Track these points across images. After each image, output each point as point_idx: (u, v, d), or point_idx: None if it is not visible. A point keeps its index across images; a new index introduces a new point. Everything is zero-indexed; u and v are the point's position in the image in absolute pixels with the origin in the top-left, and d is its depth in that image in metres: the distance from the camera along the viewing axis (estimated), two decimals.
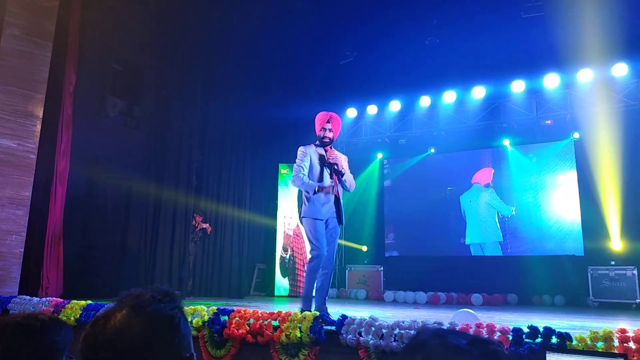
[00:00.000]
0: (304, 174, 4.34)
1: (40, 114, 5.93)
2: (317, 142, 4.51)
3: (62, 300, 4.55)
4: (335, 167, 4.36)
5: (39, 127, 5.92)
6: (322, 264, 4.22)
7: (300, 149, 4.48)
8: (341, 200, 4.38)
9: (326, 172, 4.37)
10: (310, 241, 4.30)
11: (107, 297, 6.82)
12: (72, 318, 4.13)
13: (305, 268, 4.35)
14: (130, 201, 7.86)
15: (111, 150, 7.61)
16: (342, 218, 4.37)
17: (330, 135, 4.45)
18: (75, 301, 4.37)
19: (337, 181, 4.39)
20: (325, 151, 4.43)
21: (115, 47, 7.68)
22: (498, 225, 9.68)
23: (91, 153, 7.33)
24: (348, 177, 4.43)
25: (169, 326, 0.94)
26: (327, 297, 4.30)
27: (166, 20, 8.01)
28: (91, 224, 7.29)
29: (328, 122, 4.45)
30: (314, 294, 4.25)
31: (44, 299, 4.70)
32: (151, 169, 8.20)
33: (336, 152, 4.46)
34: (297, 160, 4.44)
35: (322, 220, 4.27)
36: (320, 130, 4.47)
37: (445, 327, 0.89)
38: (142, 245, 7.87)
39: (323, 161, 4.38)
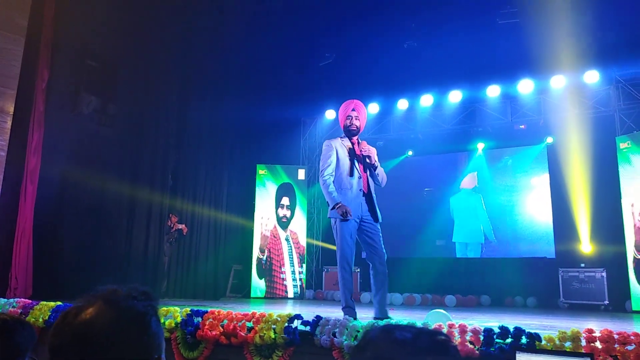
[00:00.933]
0: (331, 179, 4.06)
1: (11, 110, 5.78)
2: (343, 135, 4.25)
3: (30, 301, 4.45)
4: (368, 160, 4.07)
5: (9, 123, 5.78)
6: (373, 266, 3.97)
7: (325, 143, 4.22)
8: (374, 196, 4.08)
9: (357, 166, 4.07)
10: (337, 244, 4.02)
11: (78, 298, 6.67)
12: (41, 320, 4.03)
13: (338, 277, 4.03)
14: (104, 201, 7.71)
15: (84, 149, 7.46)
16: (377, 215, 4.04)
17: (357, 123, 4.17)
18: (44, 302, 4.27)
19: (369, 175, 4.10)
20: (353, 143, 4.15)
21: (90, 43, 7.53)
22: (482, 228, 9.84)
23: (64, 151, 7.16)
24: (379, 170, 4.13)
25: (140, 322, 0.93)
26: (387, 303, 3.99)
27: (144, 17, 7.90)
28: (63, 223, 7.12)
29: (353, 110, 4.16)
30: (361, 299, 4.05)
31: (11, 299, 4.58)
32: (126, 168, 8.06)
33: (374, 151, 4.18)
34: (322, 157, 4.16)
35: (349, 220, 3.95)
36: (346, 119, 4.18)
37: (395, 323, 0.91)
38: (115, 245, 7.73)
39: (353, 154, 4.09)
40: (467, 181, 10.21)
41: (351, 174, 4.05)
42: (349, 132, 4.20)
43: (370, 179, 4.11)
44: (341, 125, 4.28)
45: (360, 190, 4.05)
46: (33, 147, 6.24)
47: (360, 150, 4.09)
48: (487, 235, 9.77)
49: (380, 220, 4.08)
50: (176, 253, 8.91)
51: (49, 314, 4.05)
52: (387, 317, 3.76)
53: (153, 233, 8.17)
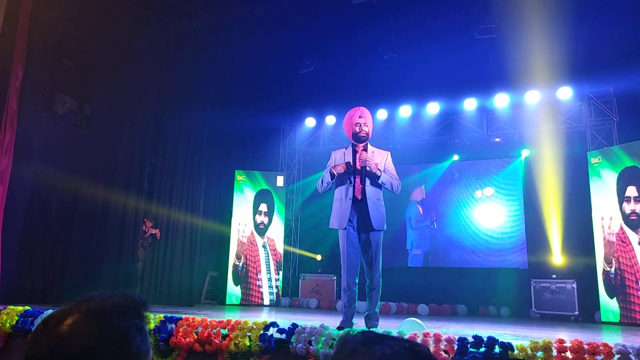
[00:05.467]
0: (321, 186, 4.13)
1: None
2: (347, 144, 4.25)
3: None
4: (368, 169, 4.00)
5: None
6: (361, 276, 3.99)
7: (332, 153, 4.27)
8: (368, 203, 3.99)
9: (351, 175, 4.06)
10: None
11: (47, 303, 6.49)
12: (8, 324, 3.90)
13: None
14: (77, 203, 7.54)
15: (58, 150, 7.30)
16: (371, 223, 3.95)
17: (366, 129, 4.12)
18: (12, 307, 4.14)
19: (370, 183, 4.03)
20: (356, 152, 4.12)
21: (67, 43, 7.39)
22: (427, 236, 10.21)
23: (36, 152, 7.00)
24: (384, 177, 4.01)
25: (119, 343, 0.89)
26: (372, 316, 4.04)
27: (122, 19, 7.81)
28: (33, 226, 6.94)
29: (360, 117, 4.12)
30: (350, 308, 4.06)
31: None
32: (100, 170, 7.91)
33: (373, 151, 4.15)
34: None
35: (343, 229, 4.00)
36: (355, 126, 4.13)
37: (375, 333, 0.90)
38: (87, 249, 7.55)
39: (349, 165, 4.07)
40: (416, 193, 10.42)
41: (344, 182, 4.06)
42: (358, 139, 4.16)
43: (368, 187, 4.03)
44: (348, 134, 4.25)
45: (350, 198, 4.02)
46: (4, 147, 6.07)
47: (360, 160, 4.04)
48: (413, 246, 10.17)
49: (376, 228, 4.01)
50: (150, 258, 8.76)
51: (17, 318, 3.93)
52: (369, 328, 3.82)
53: (127, 237, 8.01)
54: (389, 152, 4.26)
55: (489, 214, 9.76)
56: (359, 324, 4.14)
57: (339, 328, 3.69)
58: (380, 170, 4.02)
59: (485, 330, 4.87)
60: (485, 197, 9.76)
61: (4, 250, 6.09)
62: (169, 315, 3.62)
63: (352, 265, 4.07)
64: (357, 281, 4.13)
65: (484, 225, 9.75)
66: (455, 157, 10.15)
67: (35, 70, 6.85)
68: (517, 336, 4.40)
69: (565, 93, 8.63)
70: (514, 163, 9.66)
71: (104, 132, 8.03)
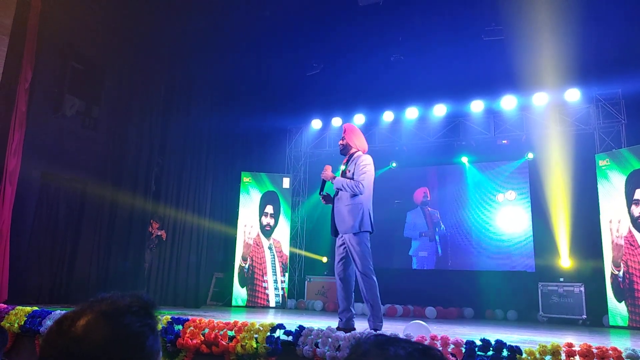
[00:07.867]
0: None
1: None
2: None
3: (5, 306, 4.33)
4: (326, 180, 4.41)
5: None
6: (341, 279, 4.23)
7: None
8: (336, 209, 4.30)
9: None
10: None
11: (55, 303, 6.53)
12: (16, 325, 3.93)
13: None
14: (84, 204, 7.59)
15: (66, 151, 7.34)
16: (337, 228, 4.26)
17: (343, 142, 4.37)
18: (20, 307, 4.17)
19: (323, 192, 4.42)
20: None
21: (76, 45, 7.44)
22: (436, 239, 10.20)
23: (45, 153, 7.04)
24: (337, 184, 4.26)
25: (133, 343, 0.90)
26: (353, 315, 4.34)
27: (130, 21, 7.85)
28: (41, 226, 6.98)
29: (344, 132, 4.41)
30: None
31: None
32: (108, 171, 7.95)
33: (354, 160, 4.31)
34: None
35: (334, 236, 4.32)
36: None
37: (387, 335, 0.90)
38: (94, 250, 7.59)
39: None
40: (418, 195, 10.42)
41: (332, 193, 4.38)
42: (340, 152, 4.46)
43: (338, 195, 4.30)
44: None
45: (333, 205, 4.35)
46: (13, 147, 6.12)
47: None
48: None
49: (340, 232, 4.22)
50: (157, 260, 8.78)
51: (25, 319, 3.95)
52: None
53: (134, 238, 8.04)
54: (362, 155, 4.30)
55: (497, 217, 9.71)
56: (364, 326, 4.14)
57: (338, 329, 3.69)
58: (334, 178, 4.28)
59: (492, 334, 4.84)
60: (507, 201, 9.71)
61: (12, 251, 6.13)
62: (175, 316, 3.63)
63: (335, 265, 4.30)
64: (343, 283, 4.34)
65: (491, 228, 9.71)
66: (464, 159, 10.12)
67: (44, 71, 6.90)
68: (525, 340, 4.37)
69: (573, 95, 8.58)
70: (521, 165, 9.61)
71: (111, 133, 8.07)
